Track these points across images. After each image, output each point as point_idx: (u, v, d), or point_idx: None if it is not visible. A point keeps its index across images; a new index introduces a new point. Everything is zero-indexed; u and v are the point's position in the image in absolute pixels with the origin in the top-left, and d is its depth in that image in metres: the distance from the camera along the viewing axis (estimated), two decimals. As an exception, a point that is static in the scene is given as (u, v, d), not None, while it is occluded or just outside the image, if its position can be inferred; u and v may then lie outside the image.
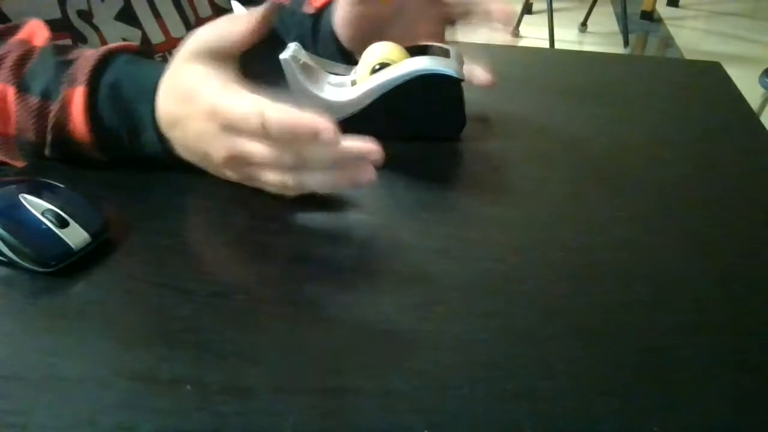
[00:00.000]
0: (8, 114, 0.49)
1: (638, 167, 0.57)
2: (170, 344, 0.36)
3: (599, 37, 3.32)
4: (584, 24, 3.32)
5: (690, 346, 0.37)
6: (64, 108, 0.48)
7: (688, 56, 3.02)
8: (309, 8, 0.70)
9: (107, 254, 0.43)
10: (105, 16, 0.65)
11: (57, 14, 0.61)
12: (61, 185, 0.45)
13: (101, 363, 0.34)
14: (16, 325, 0.38)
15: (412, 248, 0.45)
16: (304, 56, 0.57)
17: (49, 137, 0.49)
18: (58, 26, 0.61)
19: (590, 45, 3.26)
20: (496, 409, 0.33)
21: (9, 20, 0.58)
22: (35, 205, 0.42)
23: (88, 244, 0.42)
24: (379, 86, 0.55)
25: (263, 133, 0.43)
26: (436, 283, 0.41)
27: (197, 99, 0.46)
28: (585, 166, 0.57)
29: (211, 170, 0.49)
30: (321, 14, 0.69)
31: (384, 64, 0.56)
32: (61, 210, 0.42)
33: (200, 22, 0.78)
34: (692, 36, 3.41)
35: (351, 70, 0.60)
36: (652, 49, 3.20)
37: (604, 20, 3.47)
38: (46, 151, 0.50)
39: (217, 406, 0.32)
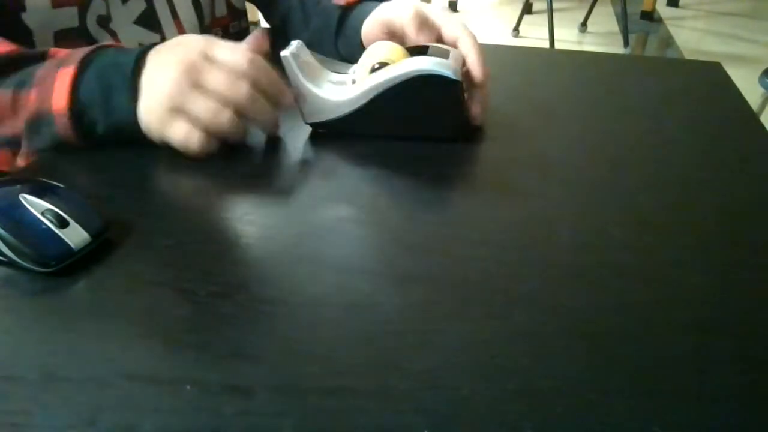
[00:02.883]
0: None
1: (638, 167, 0.57)
2: (170, 344, 0.36)
3: (599, 37, 3.32)
4: (584, 24, 3.33)
5: (690, 346, 0.37)
6: (50, 85, 0.51)
7: (688, 56, 3.02)
8: (340, 0, 0.71)
9: (107, 254, 0.43)
10: (124, 21, 0.66)
11: (75, 23, 0.61)
12: (61, 185, 0.45)
13: (101, 363, 0.34)
14: (16, 326, 0.38)
15: (412, 248, 0.45)
16: (306, 54, 0.57)
17: (26, 117, 0.51)
18: (75, 35, 0.61)
19: (590, 45, 3.26)
20: (496, 409, 0.33)
21: (30, 31, 0.58)
22: (35, 205, 0.42)
23: (88, 244, 0.42)
24: (376, 86, 0.55)
25: (244, 67, 0.51)
26: (436, 283, 0.41)
27: (191, 37, 0.53)
28: (585, 166, 0.57)
29: (156, 105, 0.51)
30: (351, 9, 0.70)
31: (383, 64, 0.56)
32: (61, 210, 0.42)
33: (215, 22, 0.78)
34: (692, 36, 3.41)
35: (352, 68, 0.60)
36: (652, 49, 3.20)
37: (604, 20, 3.47)
38: (24, 138, 0.52)
39: (217, 406, 0.32)
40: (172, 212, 0.48)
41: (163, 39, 0.69)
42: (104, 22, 0.64)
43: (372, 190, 0.52)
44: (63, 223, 0.41)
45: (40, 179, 0.45)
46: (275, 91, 0.54)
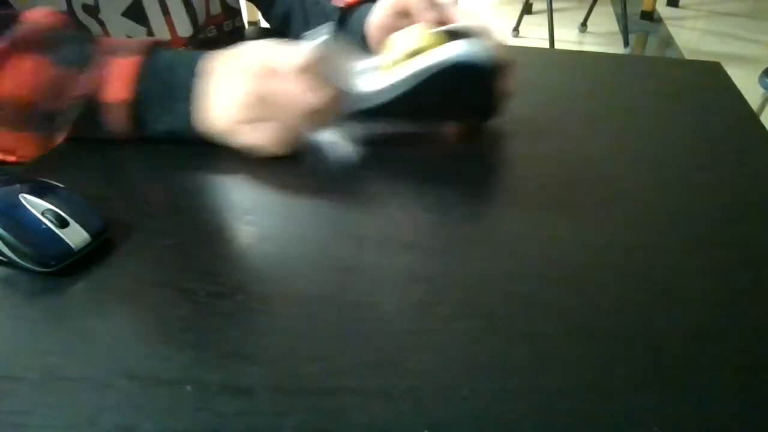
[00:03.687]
0: (29, 82, 0.51)
1: (638, 167, 0.57)
2: (170, 344, 0.36)
3: (599, 37, 3.32)
4: (584, 24, 3.32)
5: (690, 346, 0.37)
6: (103, 73, 0.51)
7: (688, 56, 3.02)
8: (339, 1, 0.72)
9: (107, 254, 0.43)
10: (112, 12, 0.66)
11: (63, 7, 0.61)
12: (61, 185, 0.45)
13: (101, 363, 0.34)
14: (16, 325, 0.38)
15: (413, 248, 0.45)
16: (333, 48, 0.56)
17: (73, 100, 0.51)
18: None
19: (590, 45, 3.26)
20: (496, 409, 0.33)
21: (12, 8, 0.58)
22: (35, 205, 0.42)
23: (88, 244, 0.42)
24: (413, 75, 0.54)
25: (305, 93, 0.51)
26: (436, 283, 0.41)
27: (255, 48, 0.53)
28: (585, 166, 0.57)
29: (229, 115, 0.52)
30: (350, 10, 0.70)
31: (416, 52, 0.55)
32: (61, 210, 0.42)
33: (210, 20, 0.78)
34: (692, 36, 3.41)
35: (371, 59, 0.59)
36: (652, 49, 3.20)
37: (604, 20, 3.47)
38: (64, 117, 0.52)
39: (217, 406, 0.32)
40: (172, 212, 0.48)
41: (150, 33, 0.70)
42: (92, 11, 0.64)
43: (372, 190, 0.52)
44: (63, 223, 0.41)
45: (40, 179, 0.45)
46: (333, 108, 0.54)
